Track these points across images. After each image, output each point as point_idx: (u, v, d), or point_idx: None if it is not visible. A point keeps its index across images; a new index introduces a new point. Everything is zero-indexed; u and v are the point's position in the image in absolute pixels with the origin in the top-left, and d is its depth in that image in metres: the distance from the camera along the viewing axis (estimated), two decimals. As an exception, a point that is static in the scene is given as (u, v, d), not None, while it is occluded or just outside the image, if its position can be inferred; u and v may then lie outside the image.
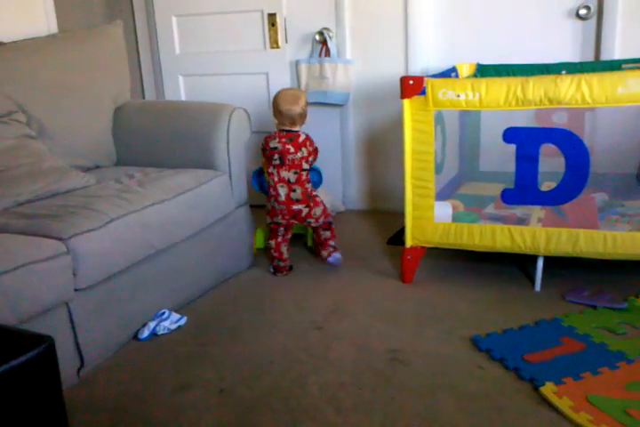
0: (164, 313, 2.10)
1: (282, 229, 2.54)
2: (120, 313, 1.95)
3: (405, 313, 2.11)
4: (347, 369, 1.78)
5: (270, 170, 2.48)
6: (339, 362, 1.82)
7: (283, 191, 2.45)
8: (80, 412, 1.64)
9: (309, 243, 2.85)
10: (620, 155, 2.60)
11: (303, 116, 2.49)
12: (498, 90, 2.10)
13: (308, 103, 2.54)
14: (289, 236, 2.58)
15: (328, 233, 2.56)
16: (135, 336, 2.03)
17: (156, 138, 2.53)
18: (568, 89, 2.02)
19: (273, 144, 2.45)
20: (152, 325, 2.04)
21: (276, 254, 2.53)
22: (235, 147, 2.46)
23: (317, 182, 3.06)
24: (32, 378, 1.00)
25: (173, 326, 2.08)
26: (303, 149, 2.45)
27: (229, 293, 2.36)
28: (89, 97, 2.51)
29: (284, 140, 2.44)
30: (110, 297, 1.90)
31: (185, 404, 1.66)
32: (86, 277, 1.78)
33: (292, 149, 2.43)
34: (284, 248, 2.54)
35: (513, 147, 2.19)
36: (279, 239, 2.54)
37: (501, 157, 2.69)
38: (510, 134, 2.17)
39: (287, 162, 2.43)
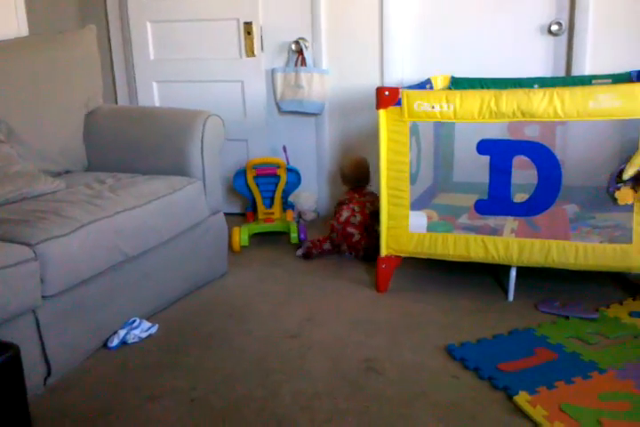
0: (134, 321, 2.05)
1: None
2: (89, 321, 1.90)
3: (380, 322, 2.10)
4: (321, 378, 1.76)
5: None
6: (313, 371, 1.80)
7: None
8: (46, 421, 1.59)
9: (293, 240, 2.85)
10: (591, 168, 2.64)
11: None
12: (472, 102, 2.13)
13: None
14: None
15: None
16: (105, 344, 1.98)
17: (128, 143, 2.49)
18: (540, 102, 2.05)
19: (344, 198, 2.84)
20: (122, 333, 2.00)
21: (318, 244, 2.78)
22: (209, 153, 2.43)
23: (296, 183, 3.08)
24: (-3, 386, 0.96)
25: (144, 335, 2.04)
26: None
27: (202, 301, 2.33)
28: (60, 101, 2.46)
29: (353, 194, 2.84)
30: (79, 304, 1.85)
31: (155, 414, 1.62)
32: (54, 284, 1.73)
33: (357, 196, 2.81)
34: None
35: (486, 158, 2.22)
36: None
37: (475, 169, 2.73)
38: (484, 146, 2.19)
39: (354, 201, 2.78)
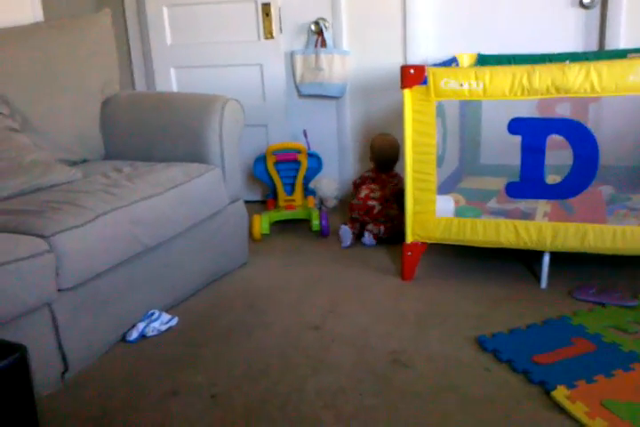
0: (153, 314, 2.00)
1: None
2: (107, 314, 1.85)
3: (406, 312, 2.02)
4: (346, 372, 1.69)
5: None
6: (337, 365, 1.73)
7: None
8: (64, 419, 1.55)
9: (314, 227, 2.78)
10: (626, 147, 2.52)
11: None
12: (503, 79, 2.01)
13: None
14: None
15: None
16: (123, 338, 1.93)
17: (145, 131, 2.43)
18: (576, 77, 1.93)
19: (369, 175, 2.87)
20: (141, 326, 1.95)
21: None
22: (228, 140, 2.36)
23: (317, 168, 3.00)
24: (2, 390, 0.91)
25: (163, 328, 1.99)
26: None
27: (222, 292, 2.27)
28: (75, 88, 2.40)
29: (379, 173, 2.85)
30: (96, 297, 1.80)
31: (174, 410, 1.57)
32: (70, 277, 1.68)
33: (385, 177, 2.82)
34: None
35: (515, 139, 2.10)
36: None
37: (503, 150, 2.62)
38: (515, 125, 2.08)
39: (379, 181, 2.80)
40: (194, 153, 2.33)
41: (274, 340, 1.90)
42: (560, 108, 2.57)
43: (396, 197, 2.72)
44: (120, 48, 3.43)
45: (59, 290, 1.66)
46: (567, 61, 2.66)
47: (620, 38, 2.74)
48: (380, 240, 2.67)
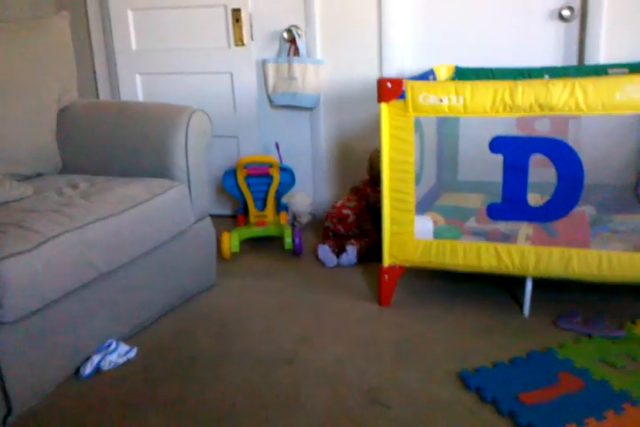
0: (110, 344, 1.84)
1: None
2: (58, 347, 1.69)
3: (384, 343, 1.90)
4: (320, 413, 1.56)
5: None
6: (310, 405, 1.59)
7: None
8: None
9: (287, 245, 2.65)
10: (607, 165, 2.44)
11: None
12: (484, 94, 1.91)
13: None
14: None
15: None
16: (77, 372, 1.77)
17: (105, 142, 2.27)
18: (561, 95, 1.84)
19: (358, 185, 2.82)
20: (96, 359, 1.79)
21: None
22: (194, 153, 2.21)
23: (290, 183, 2.87)
24: None
25: (121, 360, 1.83)
26: None
27: (187, 318, 2.11)
28: (29, 96, 2.23)
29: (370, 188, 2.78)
30: (45, 329, 1.63)
31: (130, 460, 1.42)
32: (14, 309, 1.51)
33: (370, 192, 2.75)
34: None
35: (494, 155, 2.00)
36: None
37: (481, 167, 2.53)
38: (497, 144, 1.98)
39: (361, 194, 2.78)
40: (157, 167, 2.18)
41: (242, 375, 1.75)
42: (539, 124, 2.49)
43: (371, 210, 2.64)
44: (83, 53, 3.28)
45: (1, 323, 1.49)
46: (546, 76, 2.61)
47: (600, 53, 2.68)
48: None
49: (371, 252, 2.58)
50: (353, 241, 2.59)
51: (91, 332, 1.79)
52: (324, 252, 2.57)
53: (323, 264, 2.56)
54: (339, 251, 2.61)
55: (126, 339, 1.92)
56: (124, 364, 1.82)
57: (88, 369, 1.76)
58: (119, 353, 1.83)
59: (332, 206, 2.76)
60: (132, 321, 1.96)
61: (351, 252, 2.54)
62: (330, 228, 2.69)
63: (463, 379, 1.66)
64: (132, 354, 1.86)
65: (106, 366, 1.79)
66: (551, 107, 1.86)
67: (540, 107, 1.87)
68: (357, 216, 2.67)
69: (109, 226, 1.79)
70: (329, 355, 1.83)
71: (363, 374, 1.72)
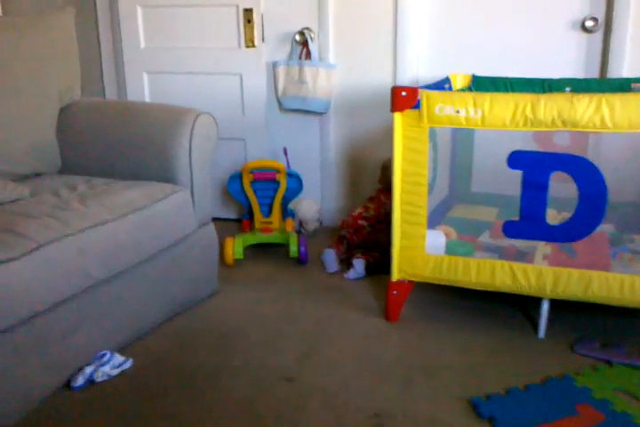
0: (104, 355, 1.75)
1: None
2: (47, 358, 1.60)
3: (391, 363, 1.81)
4: (321, 439, 1.47)
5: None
6: (312, 429, 1.51)
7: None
8: None
9: (292, 254, 2.56)
10: (628, 181, 2.35)
11: None
12: (504, 107, 1.82)
13: None
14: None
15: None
16: (68, 384, 1.68)
17: (107, 143, 2.19)
18: (586, 110, 1.75)
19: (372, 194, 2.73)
20: (88, 370, 1.70)
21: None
22: (198, 157, 2.12)
23: (298, 189, 2.78)
24: None
25: (115, 372, 1.74)
26: None
27: (186, 328, 2.03)
28: (29, 93, 2.14)
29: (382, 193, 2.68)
30: (35, 340, 1.55)
31: (117, 485, 1.33)
32: (1, 319, 1.43)
33: (384, 198, 2.65)
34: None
35: (508, 167, 1.91)
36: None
37: (496, 178, 2.44)
38: (516, 159, 1.89)
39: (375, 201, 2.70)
40: (160, 171, 2.10)
41: (242, 391, 1.66)
42: (558, 138, 2.40)
43: (387, 218, 2.56)
44: (90, 49, 3.20)
45: (-14, 334, 1.41)
46: (567, 88, 2.51)
47: (624, 66, 2.59)
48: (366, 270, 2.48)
49: (381, 264, 2.50)
50: (360, 255, 2.50)
51: (84, 342, 1.71)
52: (329, 255, 2.50)
53: (324, 268, 2.50)
54: (347, 260, 2.53)
55: (121, 349, 1.83)
56: (118, 376, 1.73)
57: (80, 381, 1.68)
58: (113, 364, 1.75)
59: (349, 214, 2.69)
60: (128, 331, 1.88)
61: (359, 266, 2.45)
62: (345, 237, 2.62)
63: (475, 406, 1.57)
64: (127, 365, 1.78)
65: (99, 377, 1.70)
66: (575, 123, 1.77)
67: (563, 122, 1.78)
68: (373, 228, 2.59)
69: (106, 233, 1.71)
70: (332, 373, 1.74)
71: (368, 397, 1.63)
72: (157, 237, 1.91)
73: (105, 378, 1.71)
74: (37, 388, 1.59)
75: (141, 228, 1.84)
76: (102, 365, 1.73)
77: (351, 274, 2.46)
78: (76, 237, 1.61)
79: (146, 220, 1.86)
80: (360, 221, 2.59)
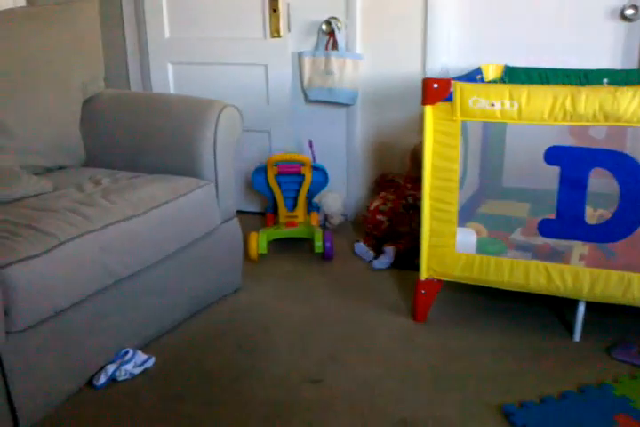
0: (127, 353, 1.73)
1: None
2: (70, 356, 1.58)
3: (419, 366, 1.75)
4: (347, 445, 1.42)
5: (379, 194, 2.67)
6: (337, 435, 1.46)
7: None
8: None
9: (317, 249, 2.51)
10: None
11: None
12: (542, 100, 1.73)
13: None
14: None
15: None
16: (90, 382, 1.65)
17: (131, 136, 2.15)
18: (630, 104, 1.66)
19: (395, 179, 2.73)
20: (111, 369, 1.67)
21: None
22: (223, 151, 2.08)
23: (323, 182, 2.73)
24: None
25: (137, 370, 1.71)
26: None
27: (209, 325, 1.99)
28: (52, 85, 2.11)
29: (408, 180, 2.66)
30: (57, 338, 1.52)
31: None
32: (23, 317, 1.40)
33: (409, 186, 2.62)
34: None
35: (541, 161, 1.82)
36: None
37: (528, 173, 2.36)
38: (554, 154, 1.81)
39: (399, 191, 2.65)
40: (184, 164, 2.06)
41: (265, 393, 1.62)
42: (595, 131, 2.30)
43: (411, 209, 2.56)
44: (115, 40, 3.17)
45: (7, 333, 1.38)
46: (605, 80, 2.41)
47: (666, 56, 2.47)
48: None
49: (406, 257, 2.45)
50: (390, 243, 2.52)
51: (106, 340, 1.68)
52: (360, 248, 2.55)
53: (362, 260, 2.53)
54: (376, 251, 2.55)
55: (144, 347, 1.81)
56: (141, 374, 1.71)
57: (102, 379, 1.65)
58: (135, 362, 1.72)
59: (367, 209, 2.65)
60: (151, 329, 1.85)
61: (389, 252, 2.46)
62: (369, 233, 2.63)
63: (507, 414, 1.50)
64: (150, 363, 1.75)
65: (121, 376, 1.68)
66: (618, 117, 1.68)
67: (605, 116, 1.69)
68: (392, 221, 2.56)
69: (129, 228, 1.68)
70: (358, 377, 1.69)
71: (395, 403, 1.58)
72: (181, 234, 1.88)
73: (127, 377, 1.69)
74: (60, 387, 1.57)
75: (165, 224, 1.80)
76: (125, 363, 1.70)
77: (383, 261, 2.46)
78: (98, 233, 1.58)
79: (169, 215, 1.82)
80: (378, 216, 2.59)
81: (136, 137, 2.14)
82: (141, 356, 1.75)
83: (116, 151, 2.18)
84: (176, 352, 1.82)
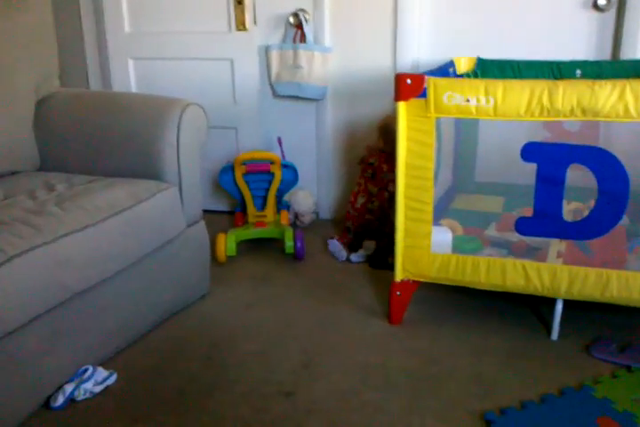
0: (86, 370, 1.63)
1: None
2: (24, 377, 1.47)
3: (395, 372, 1.68)
4: (322, 464, 1.35)
5: (359, 180, 2.55)
6: (312, 453, 1.39)
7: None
8: None
9: (288, 249, 2.43)
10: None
11: None
12: (519, 95, 1.67)
13: None
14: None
15: None
16: (47, 404, 1.55)
17: (89, 138, 2.04)
18: (608, 98, 1.60)
19: (371, 160, 2.52)
20: (69, 388, 1.57)
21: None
22: (187, 152, 1.98)
23: (293, 180, 2.65)
24: None
25: (98, 389, 1.61)
26: None
27: (175, 335, 1.90)
28: (1, 84, 1.99)
29: (382, 159, 2.49)
30: (8, 359, 1.42)
31: None
32: (-32, 340, 1.30)
33: (386, 168, 2.48)
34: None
35: (514, 155, 1.77)
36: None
37: (501, 167, 2.32)
38: (530, 151, 1.75)
39: (378, 179, 2.51)
40: (145, 168, 1.95)
41: (235, 410, 1.54)
42: (568, 123, 2.26)
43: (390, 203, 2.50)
44: (73, 35, 3.03)
45: (-48, 358, 1.28)
46: (578, 71, 2.36)
47: (638, 47, 2.43)
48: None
49: (382, 255, 2.40)
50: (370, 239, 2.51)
51: (63, 358, 1.58)
52: (335, 245, 2.48)
53: (335, 259, 2.47)
54: (351, 246, 2.52)
55: (105, 363, 1.71)
56: (102, 392, 1.61)
57: (60, 400, 1.55)
58: (96, 380, 1.62)
59: (352, 205, 2.57)
60: (112, 343, 1.75)
61: (368, 246, 2.46)
62: (350, 228, 2.57)
63: (489, 423, 1.45)
64: (112, 380, 1.65)
65: (80, 395, 1.58)
66: (596, 112, 1.63)
67: (583, 111, 1.64)
68: (380, 221, 2.51)
69: (85, 239, 1.57)
70: (334, 387, 1.62)
71: (372, 414, 1.51)
72: (142, 241, 1.77)
73: (87, 396, 1.59)
74: (13, 410, 1.46)
75: (125, 232, 1.70)
76: (84, 381, 1.60)
77: (360, 254, 2.44)
78: (51, 246, 1.47)
79: (129, 222, 1.72)
80: (367, 216, 2.52)
81: (94, 139, 2.03)
82: (102, 373, 1.65)
83: (73, 154, 2.06)
84: (140, 367, 1.72)
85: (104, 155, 2.01)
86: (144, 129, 1.94)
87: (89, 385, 1.59)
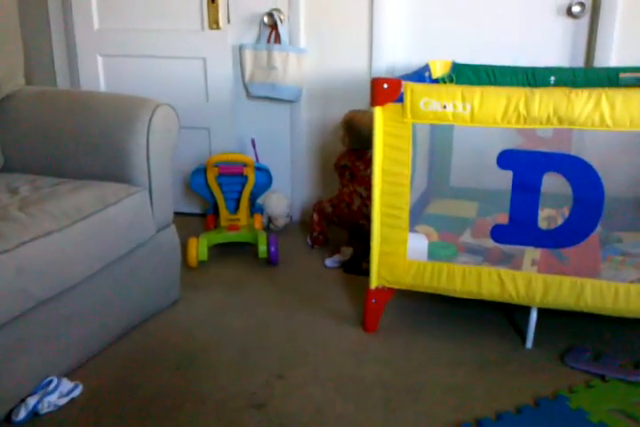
0: (51, 382, 1.56)
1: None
2: (-17, 391, 1.40)
3: (370, 383, 1.66)
4: (296, 480, 1.32)
5: (345, 182, 2.51)
6: (285, 468, 1.35)
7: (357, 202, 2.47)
8: None
9: (261, 254, 2.38)
10: (615, 176, 2.23)
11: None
12: (495, 102, 1.66)
13: None
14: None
15: None
16: (8, 418, 1.48)
17: (55, 138, 1.96)
18: (584, 107, 1.60)
19: (344, 162, 2.47)
20: (32, 401, 1.51)
21: (318, 228, 2.57)
22: (157, 154, 1.92)
23: (267, 184, 2.61)
24: None
25: (62, 401, 1.55)
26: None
27: (144, 344, 1.84)
28: (-38, 82, 1.91)
29: (353, 158, 2.45)
30: (-34, 373, 1.35)
31: None
32: None
33: (362, 167, 2.42)
34: (324, 223, 2.58)
35: (489, 161, 1.77)
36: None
37: (476, 172, 2.31)
38: (507, 159, 1.74)
39: (358, 178, 2.44)
40: (113, 170, 1.89)
41: (205, 423, 1.49)
42: (541, 130, 2.26)
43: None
44: (40, 31, 2.93)
45: None
46: (552, 78, 2.38)
47: (611, 54, 2.44)
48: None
49: (357, 261, 2.38)
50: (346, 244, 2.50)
51: (25, 369, 1.51)
52: (332, 262, 2.46)
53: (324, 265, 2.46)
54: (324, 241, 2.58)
55: (70, 374, 1.64)
56: (67, 405, 1.55)
57: (22, 414, 1.48)
58: (61, 392, 1.56)
59: (347, 205, 2.46)
60: (78, 353, 1.68)
61: (346, 252, 2.44)
62: (334, 223, 2.54)
63: (464, 436, 1.44)
64: (77, 392, 1.59)
65: (44, 408, 1.51)
66: (572, 120, 1.62)
67: (560, 120, 1.63)
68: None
69: (49, 246, 1.50)
70: (307, 399, 1.58)
71: (345, 426, 1.48)
72: (109, 247, 1.71)
73: (51, 409, 1.52)
74: (-28, 425, 1.40)
75: (91, 237, 1.63)
76: (48, 394, 1.53)
77: (335, 260, 2.44)
78: (13, 253, 1.40)
79: (96, 228, 1.66)
80: (362, 222, 2.41)
81: (60, 139, 1.95)
82: (67, 384, 1.58)
83: (38, 155, 1.99)
84: (107, 378, 1.66)
85: (71, 156, 1.94)
86: (112, 130, 1.88)
87: (53, 398, 1.53)
